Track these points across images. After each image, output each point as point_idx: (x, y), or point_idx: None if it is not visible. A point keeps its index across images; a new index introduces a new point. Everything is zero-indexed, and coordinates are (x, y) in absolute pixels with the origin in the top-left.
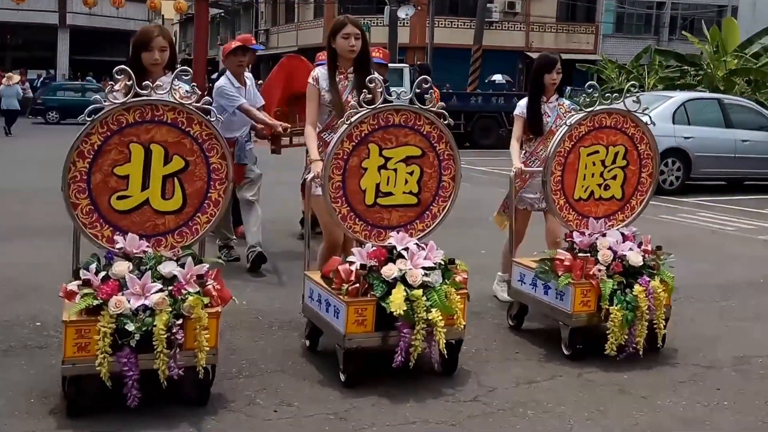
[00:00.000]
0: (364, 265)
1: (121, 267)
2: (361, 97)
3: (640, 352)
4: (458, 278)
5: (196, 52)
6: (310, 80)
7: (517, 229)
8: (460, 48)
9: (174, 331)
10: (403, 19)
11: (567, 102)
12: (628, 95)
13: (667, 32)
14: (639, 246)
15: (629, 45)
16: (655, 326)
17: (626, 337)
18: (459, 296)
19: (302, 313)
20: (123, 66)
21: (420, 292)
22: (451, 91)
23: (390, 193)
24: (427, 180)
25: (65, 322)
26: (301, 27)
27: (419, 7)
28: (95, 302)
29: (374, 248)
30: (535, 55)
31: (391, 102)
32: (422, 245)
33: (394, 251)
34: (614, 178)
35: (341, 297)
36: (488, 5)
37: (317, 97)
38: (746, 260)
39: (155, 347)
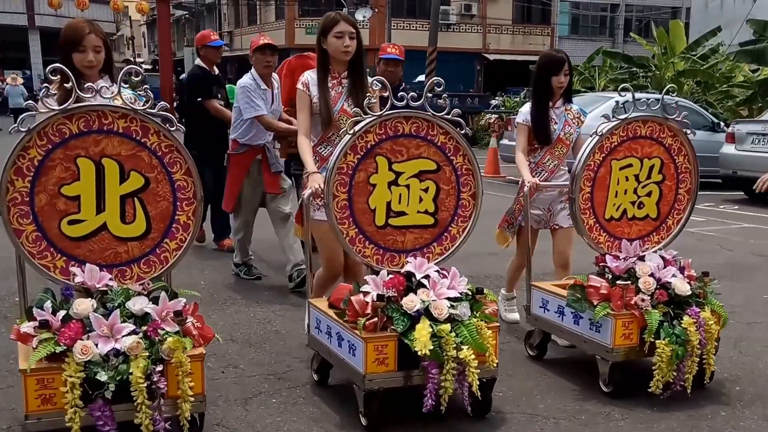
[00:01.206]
0: (381, 295)
1: (83, 305)
2: (365, 102)
3: (689, 390)
4: (488, 310)
5: (161, 52)
6: (299, 86)
7: (521, 247)
8: (418, 50)
9: (155, 379)
10: (361, 21)
11: (575, 107)
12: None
13: (621, 34)
14: (681, 271)
15: (585, 46)
16: (704, 362)
17: (674, 373)
18: (490, 330)
19: (307, 345)
20: (58, 65)
21: (448, 327)
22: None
23: (403, 213)
24: (444, 198)
25: (24, 372)
26: (263, 29)
27: (377, 9)
28: (58, 348)
29: (391, 276)
30: (492, 57)
31: (400, 108)
32: (444, 272)
33: (413, 279)
34: (649, 194)
35: (358, 332)
36: (445, 8)
37: (309, 105)
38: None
39: (135, 399)
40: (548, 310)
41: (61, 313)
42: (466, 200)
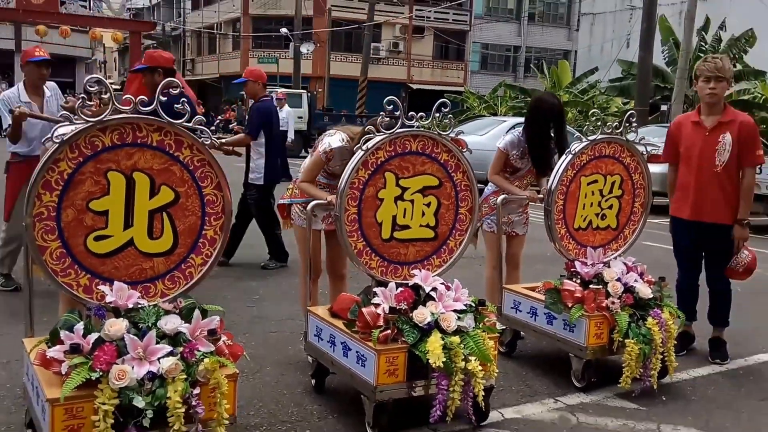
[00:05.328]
0: (393, 308)
1: (117, 326)
2: (378, 121)
3: (655, 386)
4: (490, 322)
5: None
6: (322, 155)
7: (493, 253)
8: (352, 79)
9: (193, 403)
10: (306, 54)
11: None
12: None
13: (522, 70)
14: (641, 276)
15: (492, 80)
16: (665, 359)
17: (640, 370)
18: (492, 341)
19: (305, 352)
20: (97, 76)
21: (457, 339)
22: (345, 113)
23: (407, 227)
24: (444, 212)
25: (52, 402)
26: (221, 57)
27: (319, 44)
28: (93, 375)
29: (401, 289)
30: (415, 86)
31: (411, 127)
32: (448, 284)
33: (421, 292)
34: (610, 207)
35: (370, 344)
36: (376, 44)
37: (322, 167)
38: (543, 241)
39: (171, 425)
40: (520, 311)
41: (93, 336)
42: (464, 215)
